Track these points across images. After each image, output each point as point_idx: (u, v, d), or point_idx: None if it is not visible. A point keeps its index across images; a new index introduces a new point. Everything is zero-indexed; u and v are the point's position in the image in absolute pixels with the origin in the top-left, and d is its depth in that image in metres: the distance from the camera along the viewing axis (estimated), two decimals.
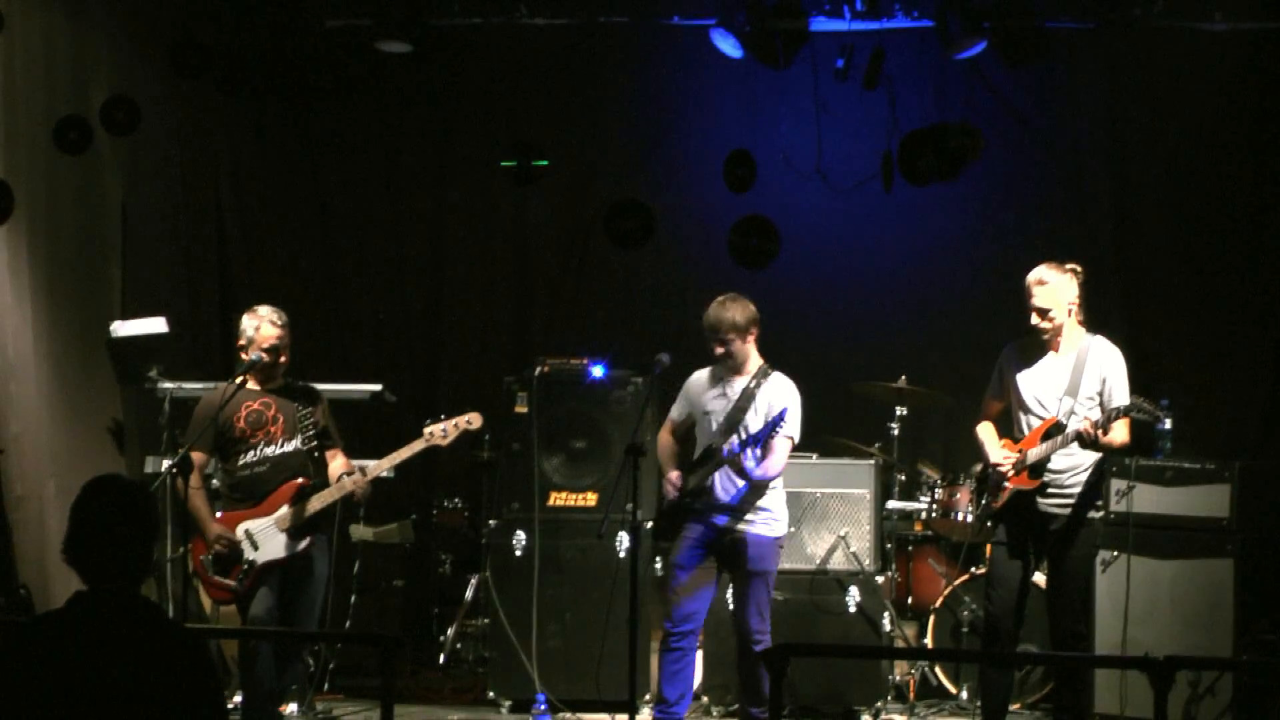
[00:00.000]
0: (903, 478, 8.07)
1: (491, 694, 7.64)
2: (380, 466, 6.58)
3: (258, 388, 6.54)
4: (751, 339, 6.52)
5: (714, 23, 8.32)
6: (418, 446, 6.58)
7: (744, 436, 6.36)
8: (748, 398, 6.49)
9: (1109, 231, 8.89)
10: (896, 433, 7.96)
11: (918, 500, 8.00)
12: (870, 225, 8.98)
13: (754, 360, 6.57)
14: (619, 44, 9.12)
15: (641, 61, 9.20)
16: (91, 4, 7.85)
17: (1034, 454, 6.21)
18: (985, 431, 6.48)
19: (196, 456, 6.45)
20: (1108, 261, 8.84)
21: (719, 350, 6.49)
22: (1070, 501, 6.22)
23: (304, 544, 6.42)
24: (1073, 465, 6.22)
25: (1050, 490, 6.24)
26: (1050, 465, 6.22)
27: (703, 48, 8.50)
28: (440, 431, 6.57)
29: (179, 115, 8.62)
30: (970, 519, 6.77)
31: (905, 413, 7.95)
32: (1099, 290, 8.73)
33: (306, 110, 9.24)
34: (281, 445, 6.51)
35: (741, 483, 6.43)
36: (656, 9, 8.78)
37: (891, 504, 7.93)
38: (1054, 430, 6.19)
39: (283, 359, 6.53)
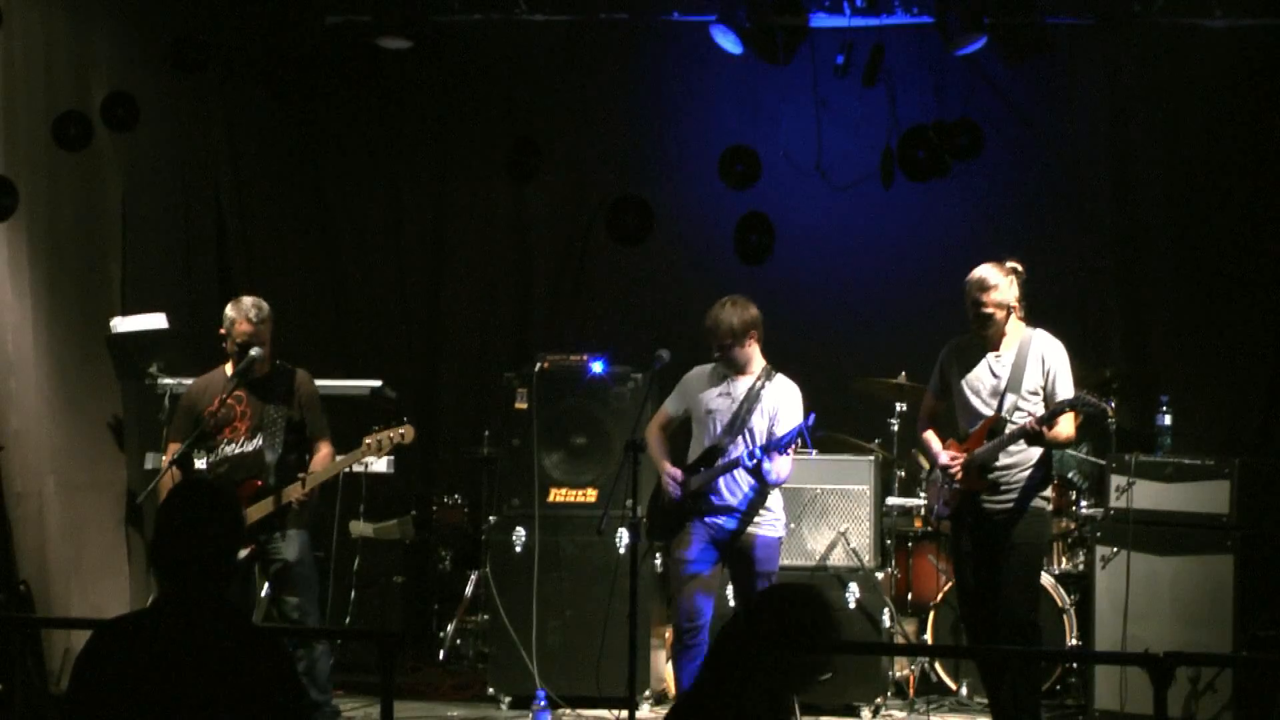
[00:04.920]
0: (902, 474, 8.08)
1: (491, 690, 7.64)
2: (319, 477, 6.42)
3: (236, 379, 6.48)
4: (751, 342, 6.47)
5: (714, 19, 8.32)
6: (356, 456, 6.43)
7: (758, 441, 6.31)
8: (752, 399, 6.45)
9: (1109, 229, 8.89)
10: (896, 429, 7.98)
11: (918, 496, 8.02)
12: (870, 221, 8.97)
13: (757, 361, 6.53)
14: (619, 40, 9.13)
15: (641, 58, 9.20)
16: (91, 0, 7.85)
17: (981, 454, 6.16)
18: (930, 435, 6.45)
19: (171, 446, 6.48)
20: (1108, 260, 8.85)
21: (716, 354, 6.49)
22: (1015, 496, 6.15)
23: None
24: (1019, 461, 6.16)
25: (1001, 487, 6.17)
26: (997, 462, 6.17)
27: (703, 44, 8.50)
28: (375, 444, 6.42)
29: (179, 111, 8.61)
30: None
31: (905, 409, 7.96)
32: (1099, 290, 8.81)
33: (307, 107, 9.22)
34: (242, 444, 6.46)
35: (747, 485, 6.41)
36: (656, 5, 8.78)
37: (891, 500, 7.95)
38: (997, 428, 6.14)
39: (255, 351, 6.47)
